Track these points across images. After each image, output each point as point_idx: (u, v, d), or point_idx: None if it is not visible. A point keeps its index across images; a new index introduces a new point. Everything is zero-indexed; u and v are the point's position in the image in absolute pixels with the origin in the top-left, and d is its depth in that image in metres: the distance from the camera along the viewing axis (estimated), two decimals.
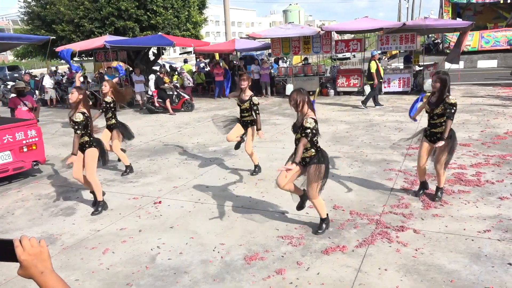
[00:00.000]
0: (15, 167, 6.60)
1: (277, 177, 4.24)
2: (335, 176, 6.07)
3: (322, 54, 16.05)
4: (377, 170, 6.24)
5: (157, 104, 13.41)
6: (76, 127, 4.96)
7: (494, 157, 6.44)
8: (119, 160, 7.21)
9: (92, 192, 5.41)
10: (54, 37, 13.50)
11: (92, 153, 5.18)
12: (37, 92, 15.84)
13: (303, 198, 4.41)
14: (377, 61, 11.87)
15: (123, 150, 7.10)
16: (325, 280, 3.45)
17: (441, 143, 4.63)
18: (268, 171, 6.41)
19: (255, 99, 6.15)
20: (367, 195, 5.29)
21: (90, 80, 17.48)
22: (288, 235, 4.28)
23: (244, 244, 4.18)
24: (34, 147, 6.83)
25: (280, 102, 14.21)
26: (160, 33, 15.90)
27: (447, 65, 13.18)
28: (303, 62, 17.29)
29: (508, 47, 21.49)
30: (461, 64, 20.20)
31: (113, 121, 6.83)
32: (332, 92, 15.04)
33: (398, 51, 18.25)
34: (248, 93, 6.18)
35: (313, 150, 4.14)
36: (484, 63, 21.91)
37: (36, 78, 19.28)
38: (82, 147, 5.17)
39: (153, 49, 19.37)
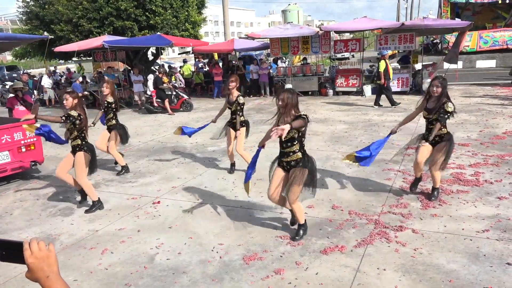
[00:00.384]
0: (14, 167, 6.59)
1: (268, 189, 4.19)
2: (334, 176, 6.07)
3: (321, 54, 16.04)
4: (376, 170, 6.24)
5: (155, 104, 13.39)
6: (66, 118, 4.93)
7: (492, 157, 6.45)
8: (115, 163, 7.20)
9: (79, 191, 5.50)
10: (52, 37, 13.48)
11: (81, 158, 5.14)
12: (35, 92, 15.81)
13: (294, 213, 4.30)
14: (386, 61, 11.80)
15: (121, 154, 7.10)
16: (323, 280, 3.45)
17: (425, 144, 4.76)
18: (267, 171, 6.38)
19: (241, 99, 6.22)
20: (365, 195, 5.29)
21: (88, 80, 17.47)
22: (286, 235, 4.28)
23: (243, 244, 4.17)
24: (32, 147, 6.81)
25: None
26: (159, 33, 15.88)
27: (446, 65, 13.19)
28: (302, 62, 17.30)
29: (506, 47, 21.52)
30: (460, 64, 20.20)
31: (113, 122, 6.84)
32: (331, 92, 15.05)
33: (397, 51, 18.25)
34: (236, 93, 6.24)
35: (299, 154, 4.00)
36: (483, 63, 21.94)
37: (35, 78, 19.26)
38: (73, 150, 5.22)
39: (152, 49, 19.36)
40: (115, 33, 16.94)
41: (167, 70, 17.40)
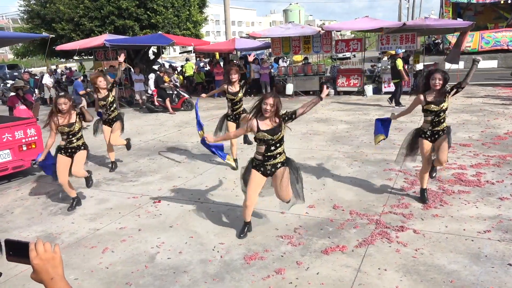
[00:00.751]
0: (15, 166, 6.59)
1: (249, 199, 4.16)
2: (335, 176, 6.07)
3: (322, 54, 16.03)
4: (377, 170, 6.24)
5: (156, 103, 13.40)
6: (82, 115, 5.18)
7: (494, 158, 6.44)
8: (113, 167, 7.14)
9: (87, 177, 5.60)
10: (54, 36, 13.48)
11: (83, 154, 5.35)
12: (36, 90, 15.83)
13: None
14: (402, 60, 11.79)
15: (128, 145, 7.14)
16: (324, 280, 3.45)
17: (425, 141, 4.71)
18: None
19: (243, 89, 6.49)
20: (367, 195, 5.28)
21: (89, 79, 17.47)
22: (287, 235, 4.28)
23: (244, 243, 4.17)
24: (33, 146, 6.82)
25: None
26: (160, 32, 15.88)
27: (447, 65, 13.18)
28: (303, 62, 17.30)
29: (507, 48, 21.49)
30: (461, 64, 20.12)
31: (116, 112, 6.91)
32: (332, 92, 15.04)
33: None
34: (237, 85, 6.37)
35: (284, 154, 4.09)
36: (484, 64, 21.86)
37: (36, 77, 19.27)
38: (75, 150, 5.25)
39: (153, 48, 19.36)
40: (116, 32, 16.95)
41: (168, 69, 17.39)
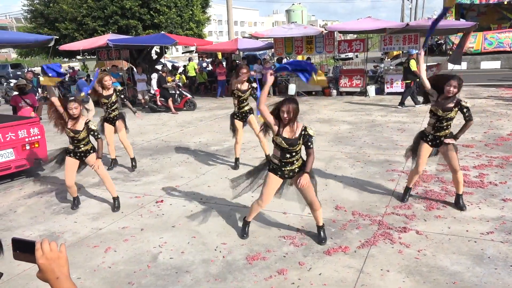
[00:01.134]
0: (18, 165, 6.61)
1: (264, 197, 4.07)
2: (337, 177, 6.06)
3: (325, 54, 16.02)
4: (379, 170, 6.23)
5: (159, 103, 13.42)
6: (96, 133, 5.12)
7: (497, 159, 6.42)
8: (111, 165, 7.19)
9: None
10: (58, 37, 13.52)
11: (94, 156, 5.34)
12: (39, 90, 15.85)
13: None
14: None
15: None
16: (327, 281, 3.44)
17: (451, 141, 4.57)
18: None
19: (253, 84, 6.57)
20: (369, 195, 5.27)
21: (92, 79, 17.50)
22: (290, 235, 4.28)
23: (246, 244, 4.17)
24: (36, 145, 6.83)
25: None
26: (163, 32, 15.90)
27: (450, 66, 13.15)
28: None
29: (510, 49, 21.42)
30: (463, 65, 20.14)
31: (117, 111, 6.95)
32: (334, 92, 15.03)
33: (401, 52, 18.21)
34: (245, 83, 6.43)
35: (301, 160, 4.03)
36: (487, 64, 21.86)
37: (39, 76, 19.30)
38: (84, 154, 5.23)
39: (156, 48, 19.39)
40: (119, 32, 16.98)
41: (170, 69, 17.43)
